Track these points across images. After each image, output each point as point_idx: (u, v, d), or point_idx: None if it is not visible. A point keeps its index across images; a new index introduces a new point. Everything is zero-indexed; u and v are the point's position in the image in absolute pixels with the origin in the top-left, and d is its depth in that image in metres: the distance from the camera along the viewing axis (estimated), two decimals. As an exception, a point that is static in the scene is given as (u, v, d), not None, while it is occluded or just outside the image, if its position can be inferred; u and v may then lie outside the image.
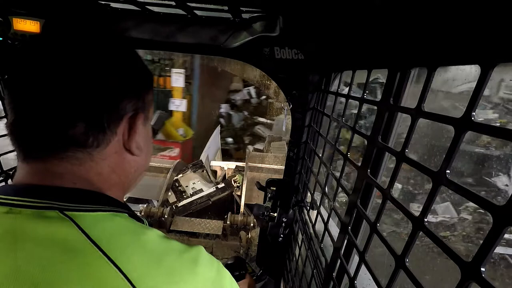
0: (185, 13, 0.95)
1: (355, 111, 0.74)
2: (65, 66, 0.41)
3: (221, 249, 2.73)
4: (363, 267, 0.63)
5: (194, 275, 0.41)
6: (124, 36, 1.02)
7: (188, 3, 0.83)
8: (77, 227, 0.37)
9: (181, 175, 3.38)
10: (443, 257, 3.31)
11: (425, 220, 0.43)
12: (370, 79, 0.70)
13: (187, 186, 3.24)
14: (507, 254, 3.60)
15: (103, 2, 0.93)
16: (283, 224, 1.27)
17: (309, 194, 1.16)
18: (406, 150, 0.50)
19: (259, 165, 3.20)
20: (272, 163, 3.23)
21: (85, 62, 0.43)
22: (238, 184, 3.20)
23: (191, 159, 5.15)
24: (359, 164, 0.68)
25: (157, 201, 3.04)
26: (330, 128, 0.94)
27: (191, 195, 3.11)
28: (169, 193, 3.19)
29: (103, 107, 0.44)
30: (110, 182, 0.48)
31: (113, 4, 0.96)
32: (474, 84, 0.36)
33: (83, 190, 0.43)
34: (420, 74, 0.55)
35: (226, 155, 6.33)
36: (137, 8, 0.95)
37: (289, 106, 1.13)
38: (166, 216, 2.64)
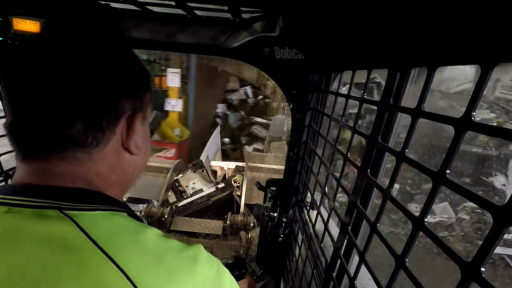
0: (185, 13, 0.95)
1: (354, 111, 0.74)
2: (64, 66, 0.41)
3: (221, 249, 2.72)
4: (363, 267, 0.63)
5: (193, 273, 0.41)
6: (124, 36, 1.02)
7: (188, 3, 0.83)
8: (77, 226, 0.37)
9: (181, 175, 3.37)
10: (443, 257, 3.31)
11: (425, 220, 0.43)
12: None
13: (187, 186, 3.24)
14: (505, 254, 3.60)
15: (103, 2, 0.93)
16: (283, 224, 1.27)
17: (309, 194, 1.16)
18: (406, 150, 0.50)
19: (259, 165, 3.19)
20: (272, 163, 3.22)
21: (83, 62, 0.43)
22: (238, 184, 3.20)
23: (187, 159, 5.12)
24: (359, 164, 0.68)
25: (157, 201, 3.03)
26: (330, 128, 0.94)
27: (191, 195, 3.11)
28: (169, 193, 3.18)
29: (102, 107, 0.44)
30: (109, 182, 0.48)
31: (113, 4, 0.96)
32: (469, 85, 0.36)
33: (82, 190, 0.43)
34: (420, 74, 0.55)
35: (223, 155, 6.32)
36: (137, 8, 0.95)
37: (289, 106, 1.13)
38: (166, 216, 2.64)
